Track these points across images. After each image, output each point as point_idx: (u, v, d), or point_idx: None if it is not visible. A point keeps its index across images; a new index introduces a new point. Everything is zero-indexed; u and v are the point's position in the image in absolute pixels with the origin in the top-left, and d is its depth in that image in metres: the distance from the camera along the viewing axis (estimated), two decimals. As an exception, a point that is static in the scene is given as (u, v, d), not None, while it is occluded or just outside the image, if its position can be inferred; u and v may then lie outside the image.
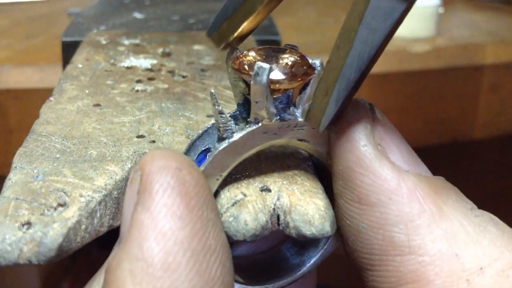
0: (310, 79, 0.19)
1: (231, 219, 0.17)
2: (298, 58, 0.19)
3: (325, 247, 0.21)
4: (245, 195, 0.18)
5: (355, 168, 0.17)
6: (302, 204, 0.18)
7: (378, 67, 0.48)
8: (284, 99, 0.19)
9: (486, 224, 0.17)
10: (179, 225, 0.15)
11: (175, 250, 0.14)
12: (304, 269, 0.21)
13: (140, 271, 0.14)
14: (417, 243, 0.17)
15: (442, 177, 0.18)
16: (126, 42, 0.36)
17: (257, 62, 0.17)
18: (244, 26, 0.19)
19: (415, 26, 0.54)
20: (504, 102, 0.53)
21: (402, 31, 0.54)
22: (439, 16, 0.56)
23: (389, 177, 0.17)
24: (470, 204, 0.18)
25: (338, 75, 0.17)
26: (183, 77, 0.30)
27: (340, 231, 0.19)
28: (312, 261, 0.21)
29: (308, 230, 0.18)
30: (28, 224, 0.17)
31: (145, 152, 0.21)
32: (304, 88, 0.19)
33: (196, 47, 0.35)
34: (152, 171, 0.15)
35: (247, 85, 0.19)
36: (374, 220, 0.17)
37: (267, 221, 0.18)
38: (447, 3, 0.67)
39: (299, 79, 0.18)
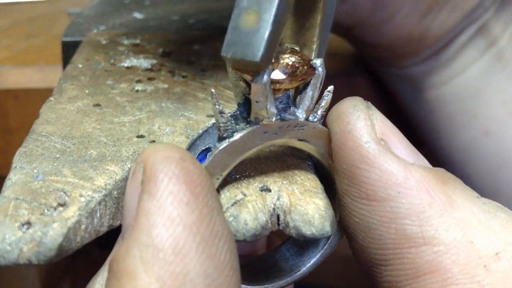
0: (311, 79, 0.19)
1: (231, 219, 0.17)
2: (299, 58, 0.19)
3: (325, 247, 0.21)
4: (245, 195, 0.18)
5: (360, 165, 0.18)
6: (302, 204, 0.18)
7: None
8: (284, 99, 0.19)
9: (495, 211, 0.17)
10: (186, 211, 0.15)
11: (184, 235, 0.15)
12: (304, 269, 0.21)
13: (151, 257, 0.14)
14: (431, 233, 0.17)
15: (443, 168, 0.18)
16: (126, 42, 0.36)
17: None
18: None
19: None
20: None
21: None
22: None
23: (395, 171, 0.17)
24: (475, 192, 0.18)
25: None
26: (183, 77, 0.30)
27: (347, 231, 0.19)
28: (311, 262, 0.21)
29: (308, 230, 0.18)
30: (28, 224, 0.17)
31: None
32: (304, 88, 0.19)
33: (196, 47, 0.35)
34: (156, 161, 0.15)
35: (248, 84, 0.19)
36: (385, 215, 0.17)
37: (267, 221, 0.18)
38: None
39: (300, 79, 0.18)
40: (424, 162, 0.18)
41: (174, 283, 0.14)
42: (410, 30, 0.37)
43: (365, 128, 0.18)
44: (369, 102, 0.19)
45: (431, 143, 0.42)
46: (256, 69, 0.17)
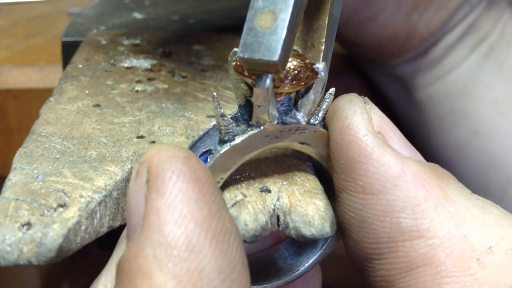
0: (313, 83, 0.19)
1: (231, 219, 0.17)
2: (301, 62, 0.19)
3: (324, 247, 0.21)
4: (245, 196, 0.18)
5: (358, 159, 0.18)
6: (302, 204, 0.18)
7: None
8: (286, 101, 0.19)
9: (489, 206, 0.18)
10: (196, 208, 0.15)
11: (197, 232, 0.15)
12: (302, 269, 0.21)
13: (165, 255, 0.14)
14: (426, 226, 0.17)
15: (436, 164, 0.19)
16: (126, 42, 0.36)
17: None
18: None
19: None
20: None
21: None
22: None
23: (392, 164, 0.17)
24: (468, 189, 0.18)
25: None
26: (183, 77, 0.30)
27: (341, 226, 0.19)
28: (310, 261, 0.21)
29: (308, 231, 0.18)
30: (28, 224, 0.17)
31: (145, 153, 0.21)
32: (306, 91, 0.19)
33: (196, 47, 0.36)
34: (161, 161, 0.15)
35: (249, 87, 0.19)
36: (380, 208, 0.17)
37: (267, 222, 0.18)
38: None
39: (302, 83, 0.18)
40: (419, 157, 0.19)
41: (191, 279, 0.14)
42: (395, 28, 0.37)
43: (362, 121, 0.18)
44: (366, 97, 0.19)
45: (422, 143, 0.42)
46: (274, 70, 0.17)
